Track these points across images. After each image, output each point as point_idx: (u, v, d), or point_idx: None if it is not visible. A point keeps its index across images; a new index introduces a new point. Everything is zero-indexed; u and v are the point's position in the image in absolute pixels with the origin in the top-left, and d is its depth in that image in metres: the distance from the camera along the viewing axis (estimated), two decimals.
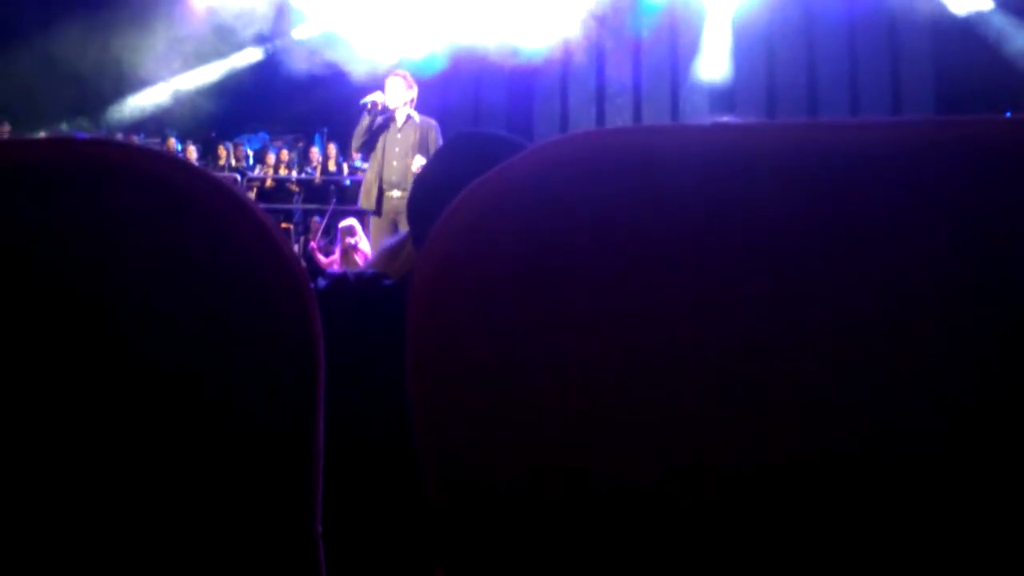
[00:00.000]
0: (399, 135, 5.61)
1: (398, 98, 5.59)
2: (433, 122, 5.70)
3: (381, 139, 5.63)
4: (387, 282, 1.11)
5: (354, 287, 1.09)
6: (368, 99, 5.66)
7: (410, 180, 5.47)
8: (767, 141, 0.45)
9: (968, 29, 9.22)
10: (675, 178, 0.45)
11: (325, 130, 9.89)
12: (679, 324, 0.45)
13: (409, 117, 5.63)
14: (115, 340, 0.48)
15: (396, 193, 5.52)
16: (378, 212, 5.57)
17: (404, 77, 5.70)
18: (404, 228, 5.48)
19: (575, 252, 0.45)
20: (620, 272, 0.45)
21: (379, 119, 5.61)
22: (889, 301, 0.43)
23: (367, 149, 5.68)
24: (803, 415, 0.44)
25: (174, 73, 9.20)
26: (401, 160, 5.54)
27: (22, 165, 0.48)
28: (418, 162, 5.44)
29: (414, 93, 5.66)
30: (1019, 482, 0.43)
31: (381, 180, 5.55)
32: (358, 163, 8.65)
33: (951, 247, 0.43)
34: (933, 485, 0.44)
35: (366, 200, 5.63)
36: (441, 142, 5.51)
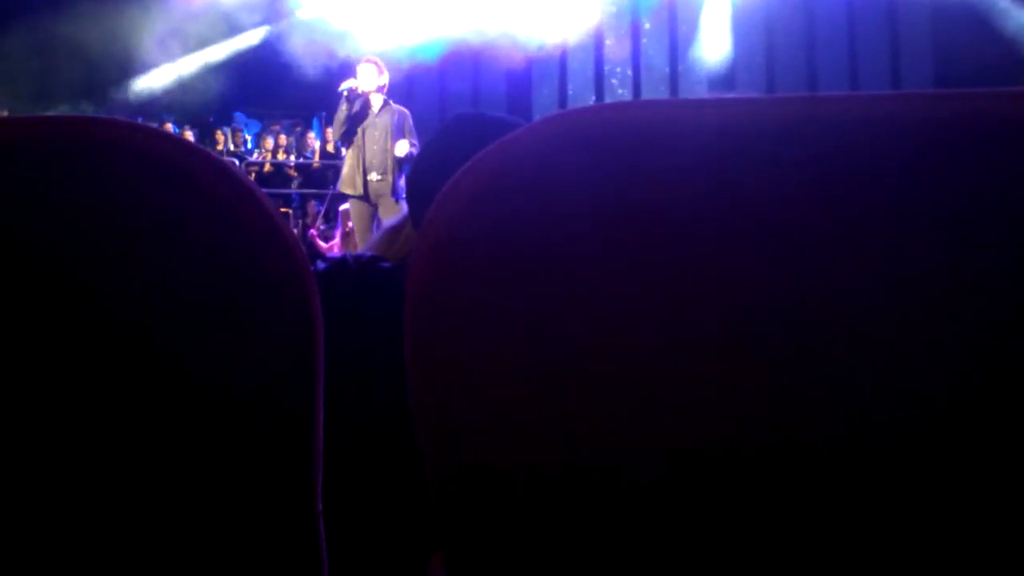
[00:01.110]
0: (377, 120, 5.73)
1: (371, 83, 5.69)
2: (406, 110, 5.82)
3: (360, 126, 5.69)
4: (386, 264, 1.10)
5: (353, 270, 1.09)
6: (345, 86, 5.74)
7: (390, 163, 5.65)
8: (769, 115, 0.45)
9: (967, 9, 9.18)
10: (676, 153, 0.45)
11: (323, 114, 9.86)
12: (681, 303, 0.44)
13: (386, 102, 5.73)
14: (113, 320, 0.48)
15: (375, 176, 5.66)
16: (365, 197, 5.63)
17: (375, 63, 5.80)
18: (384, 210, 5.57)
19: (574, 231, 0.45)
20: (621, 251, 0.45)
21: (357, 105, 5.67)
22: (892, 278, 0.43)
23: (348, 137, 5.77)
24: (808, 401, 0.44)
25: (173, 57, 9.15)
26: (380, 144, 5.67)
27: (26, 142, 0.48)
28: (401, 146, 5.57)
29: (386, 79, 5.77)
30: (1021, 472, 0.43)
31: (364, 164, 5.62)
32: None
33: (956, 222, 0.42)
34: (940, 476, 0.44)
35: (350, 186, 5.73)
36: (414, 128, 5.61)
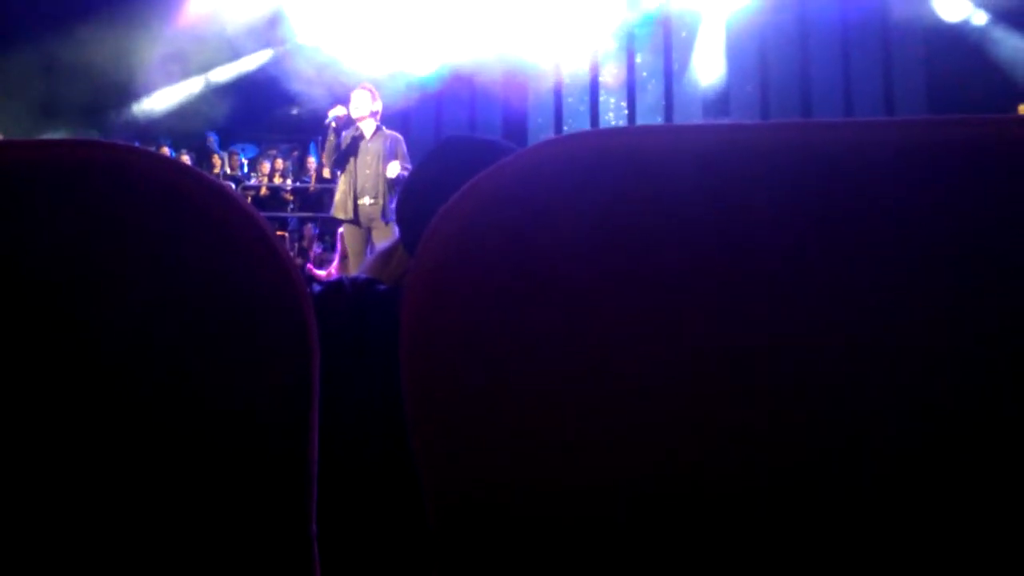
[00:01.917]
0: (369, 145, 5.77)
1: (364, 109, 5.73)
2: (399, 135, 5.84)
3: (352, 152, 5.73)
4: (381, 287, 1.10)
5: (349, 292, 1.09)
6: (331, 116, 5.77)
7: (382, 186, 5.67)
8: (765, 141, 0.45)
9: (960, 37, 9.26)
10: (670, 179, 0.45)
11: (320, 139, 9.90)
12: (679, 325, 0.44)
13: (378, 128, 5.75)
14: (108, 341, 0.48)
15: (367, 200, 5.70)
16: (356, 221, 5.65)
17: (370, 90, 5.85)
18: (377, 233, 5.59)
19: (571, 254, 0.45)
20: (616, 276, 0.45)
21: (349, 135, 5.71)
22: (889, 302, 0.43)
23: (340, 165, 5.80)
24: (806, 422, 0.44)
25: (172, 81, 9.19)
26: (372, 169, 5.70)
27: (26, 165, 0.48)
28: (392, 167, 5.59)
29: (379, 105, 5.82)
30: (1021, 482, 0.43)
31: (355, 190, 5.64)
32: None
33: (951, 247, 0.42)
34: (939, 486, 0.43)
35: (342, 211, 5.76)
36: (407, 153, 5.65)
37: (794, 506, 0.45)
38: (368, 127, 5.76)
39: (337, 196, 5.85)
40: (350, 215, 5.71)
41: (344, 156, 5.76)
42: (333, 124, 5.76)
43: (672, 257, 0.44)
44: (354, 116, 5.76)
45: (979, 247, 0.42)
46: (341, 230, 6.39)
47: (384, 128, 5.82)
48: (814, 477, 0.44)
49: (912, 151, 0.44)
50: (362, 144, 5.75)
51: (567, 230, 0.45)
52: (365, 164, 5.71)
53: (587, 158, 0.46)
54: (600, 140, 0.46)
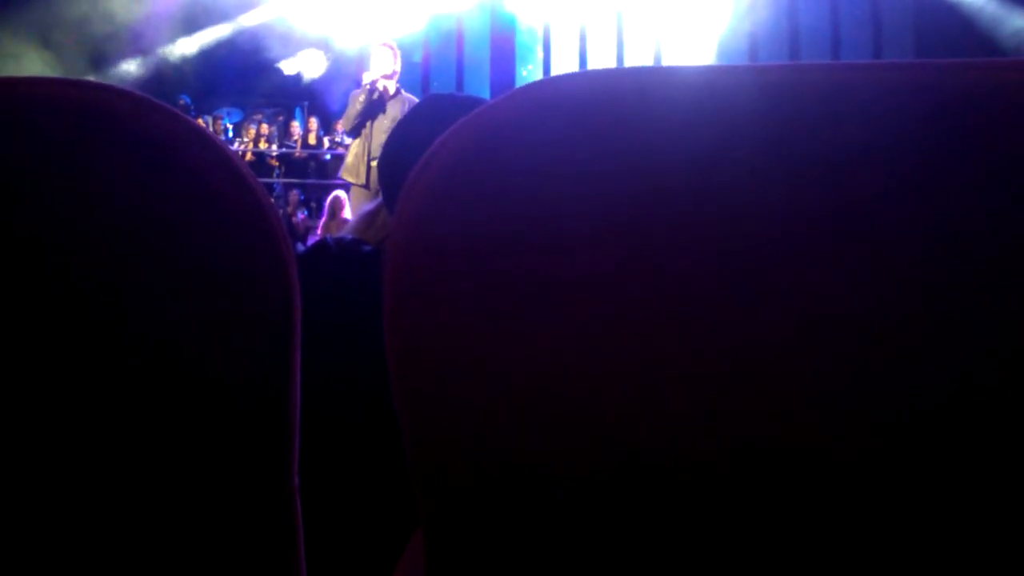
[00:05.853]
0: (388, 107, 5.59)
1: (386, 68, 5.56)
2: (416, 100, 5.66)
3: (370, 116, 5.60)
4: (367, 247, 1.10)
5: (334, 252, 1.08)
6: (370, 78, 5.59)
7: None
8: (776, 82, 0.43)
9: (952, 13, 9.25)
10: (669, 122, 0.43)
11: (305, 104, 9.82)
12: (673, 282, 0.43)
13: (398, 90, 5.61)
14: (82, 290, 0.47)
15: None
16: (367, 186, 5.55)
17: (391, 47, 5.67)
18: None
19: (556, 208, 0.44)
20: (608, 226, 0.43)
21: (375, 96, 5.56)
22: (898, 251, 0.41)
23: (358, 129, 5.64)
24: (814, 388, 0.42)
25: (155, 45, 9.08)
26: (388, 132, 5.51)
27: (15, 101, 0.47)
28: None
29: (400, 65, 5.64)
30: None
31: (369, 153, 5.53)
32: (339, 138, 8.68)
33: (966, 198, 0.40)
34: (952, 476, 0.42)
35: (353, 175, 5.59)
36: None
37: (788, 503, 0.43)
38: (389, 87, 5.61)
39: (349, 159, 5.66)
40: (362, 179, 5.54)
41: (363, 122, 5.61)
42: (368, 85, 5.59)
43: (670, 209, 0.43)
44: (376, 76, 5.60)
45: (996, 199, 0.40)
46: (335, 195, 6.29)
47: (403, 91, 5.65)
48: (816, 465, 0.43)
49: (925, 95, 0.41)
50: (379, 108, 5.63)
51: (554, 180, 0.44)
52: (382, 128, 5.50)
53: (578, 103, 0.44)
54: (593, 82, 0.44)
